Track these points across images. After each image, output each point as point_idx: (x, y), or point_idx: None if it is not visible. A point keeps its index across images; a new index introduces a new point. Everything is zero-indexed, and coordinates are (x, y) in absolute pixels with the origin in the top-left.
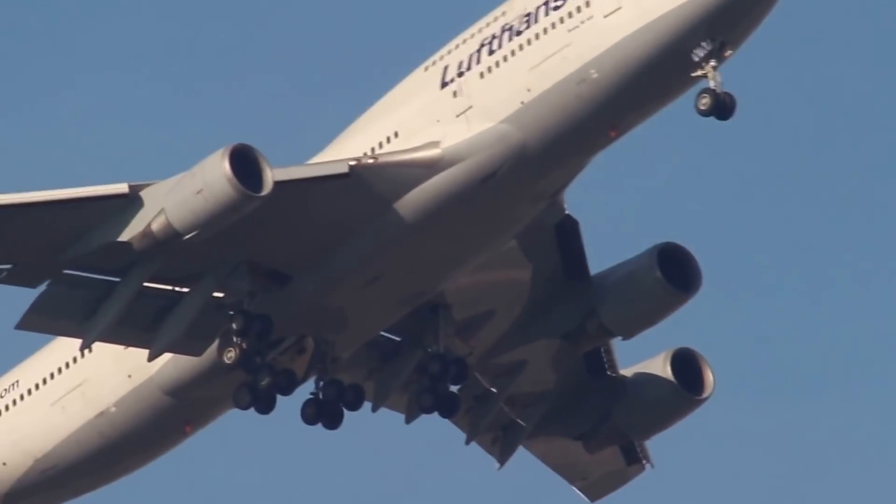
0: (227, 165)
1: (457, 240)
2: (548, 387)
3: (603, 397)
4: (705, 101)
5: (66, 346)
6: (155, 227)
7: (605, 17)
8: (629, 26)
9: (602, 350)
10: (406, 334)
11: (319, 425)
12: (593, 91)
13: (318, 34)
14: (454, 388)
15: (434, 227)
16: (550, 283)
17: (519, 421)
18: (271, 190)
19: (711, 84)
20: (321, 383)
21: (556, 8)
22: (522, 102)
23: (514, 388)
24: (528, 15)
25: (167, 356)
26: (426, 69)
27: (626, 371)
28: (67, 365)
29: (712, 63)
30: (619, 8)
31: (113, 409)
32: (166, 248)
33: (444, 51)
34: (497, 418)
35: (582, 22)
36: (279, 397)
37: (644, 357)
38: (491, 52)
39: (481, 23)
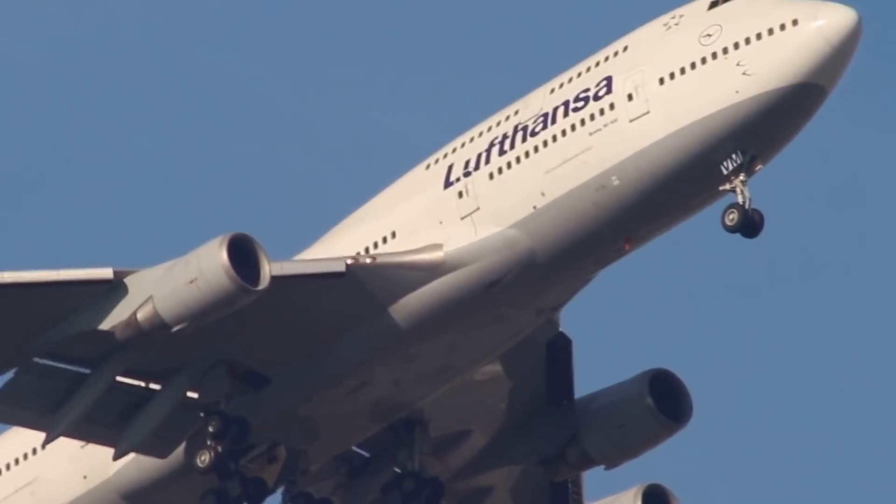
0: (224, 255)
1: (451, 349)
2: None
3: None
4: (733, 218)
5: (16, 439)
6: (140, 316)
7: (631, 121)
8: (657, 133)
9: (570, 482)
10: (378, 449)
11: None
12: (613, 199)
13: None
14: None
15: (429, 334)
16: (532, 405)
17: None
18: (268, 285)
19: (740, 199)
20: (289, 496)
21: (577, 109)
22: (535, 207)
23: None
24: (544, 115)
25: (128, 457)
26: (428, 167)
27: None
28: (17, 461)
29: (741, 177)
30: (647, 113)
31: None
32: (150, 339)
33: (448, 148)
34: None
35: (605, 125)
36: None
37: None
38: (502, 153)
39: (491, 120)
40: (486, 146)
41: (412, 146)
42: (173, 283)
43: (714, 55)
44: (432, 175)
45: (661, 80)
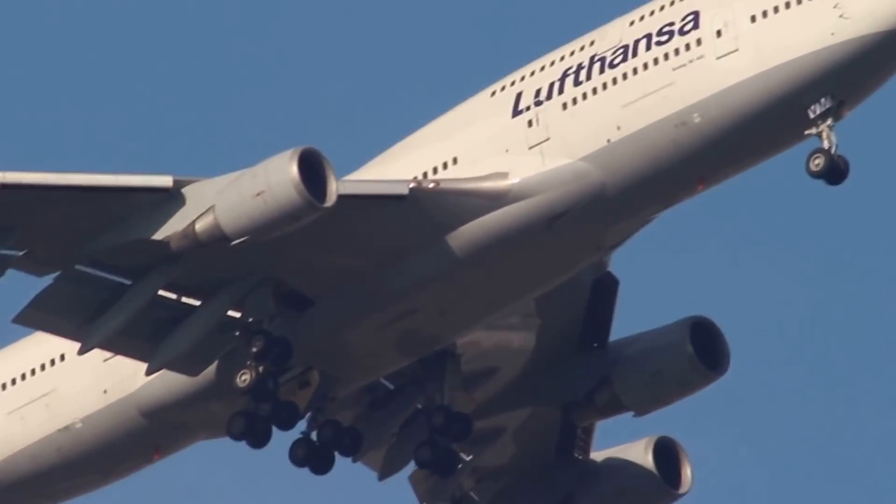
0: (295, 169)
1: (504, 280)
2: (513, 461)
3: (568, 480)
4: (818, 163)
5: (36, 348)
6: (199, 226)
7: (718, 58)
8: (745, 71)
9: (580, 430)
10: (403, 382)
11: (306, 469)
12: (692, 137)
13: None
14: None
15: (486, 264)
16: (565, 345)
17: (472, 495)
18: (334, 202)
19: (825, 144)
20: (317, 423)
21: (661, 43)
22: (609, 140)
23: (482, 458)
24: (624, 47)
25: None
26: (493, 94)
27: (599, 454)
28: (34, 371)
29: (829, 122)
30: (736, 50)
31: (79, 426)
32: (204, 252)
33: (516, 76)
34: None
35: (690, 61)
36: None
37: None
38: (577, 83)
39: (564, 49)
40: (559, 75)
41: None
42: (239, 194)
43: None
44: (498, 102)
45: (753, 18)
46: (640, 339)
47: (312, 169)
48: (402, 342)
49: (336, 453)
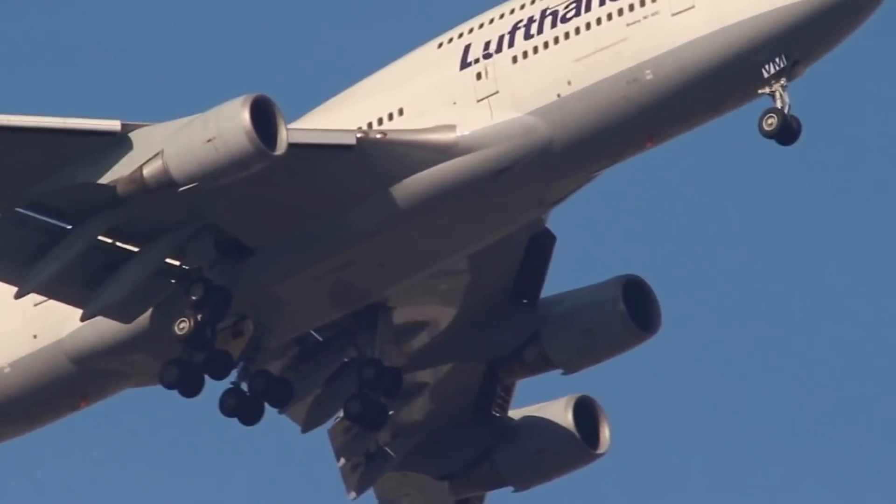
0: (247, 116)
1: (445, 234)
2: (430, 417)
3: (484, 438)
4: (771, 122)
5: None
6: (147, 171)
7: (674, 15)
8: (701, 29)
9: (500, 387)
10: (332, 334)
11: (235, 420)
12: (644, 93)
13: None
14: None
15: (429, 217)
16: (495, 300)
17: (388, 450)
18: (285, 151)
19: (779, 104)
20: (248, 373)
21: None
22: (559, 95)
23: (399, 413)
24: (577, 1)
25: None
26: (440, 45)
27: (518, 412)
28: None
29: (782, 81)
30: (692, 7)
31: (7, 370)
32: (150, 197)
33: (464, 28)
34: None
35: (644, 17)
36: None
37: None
38: (528, 37)
39: (514, 2)
40: (509, 28)
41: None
42: (189, 140)
43: None
44: (446, 54)
45: None
46: (571, 296)
47: (264, 116)
48: (339, 294)
49: (266, 404)
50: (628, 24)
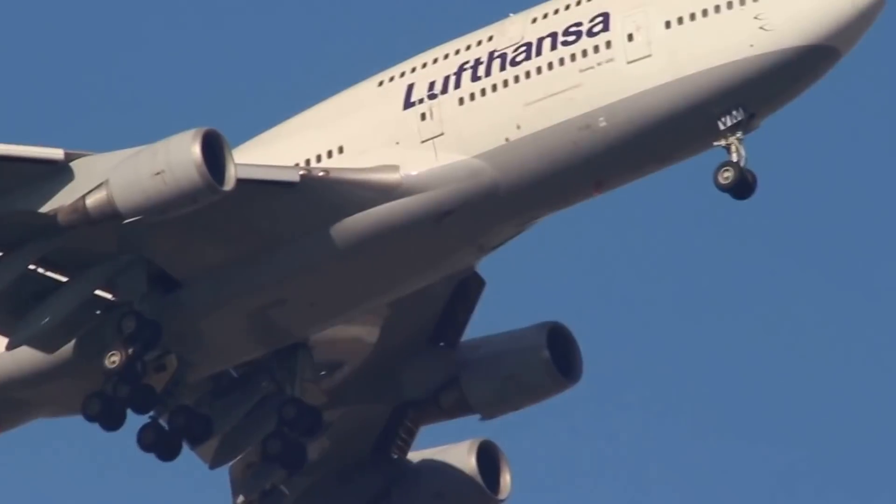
0: (198, 150)
1: (381, 275)
2: (328, 457)
3: (381, 480)
4: (727, 176)
5: None
6: (91, 201)
7: (629, 62)
8: (657, 78)
9: (400, 430)
10: (252, 370)
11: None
12: (595, 140)
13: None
14: None
15: (367, 257)
16: (413, 342)
17: (283, 489)
18: (233, 186)
19: (734, 157)
20: (167, 408)
21: (567, 43)
22: (507, 139)
23: None
24: (527, 45)
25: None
26: (381, 84)
27: (418, 454)
28: None
29: (738, 134)
30: (648, 56)
31: None
32: (92, 228)
33: (405, 66)
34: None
35: (599, 63)
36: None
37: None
38: (476, 78)
39: (457, 43)
40: (454, 69)
41: None
42: (136, 172)
43: (729, 4)
44: (388, 93)
45: (668, 24)
46: (493, 340)
47: (212, 150)
48: (266, 331)
49: (184, 440)
50: (581, 70)
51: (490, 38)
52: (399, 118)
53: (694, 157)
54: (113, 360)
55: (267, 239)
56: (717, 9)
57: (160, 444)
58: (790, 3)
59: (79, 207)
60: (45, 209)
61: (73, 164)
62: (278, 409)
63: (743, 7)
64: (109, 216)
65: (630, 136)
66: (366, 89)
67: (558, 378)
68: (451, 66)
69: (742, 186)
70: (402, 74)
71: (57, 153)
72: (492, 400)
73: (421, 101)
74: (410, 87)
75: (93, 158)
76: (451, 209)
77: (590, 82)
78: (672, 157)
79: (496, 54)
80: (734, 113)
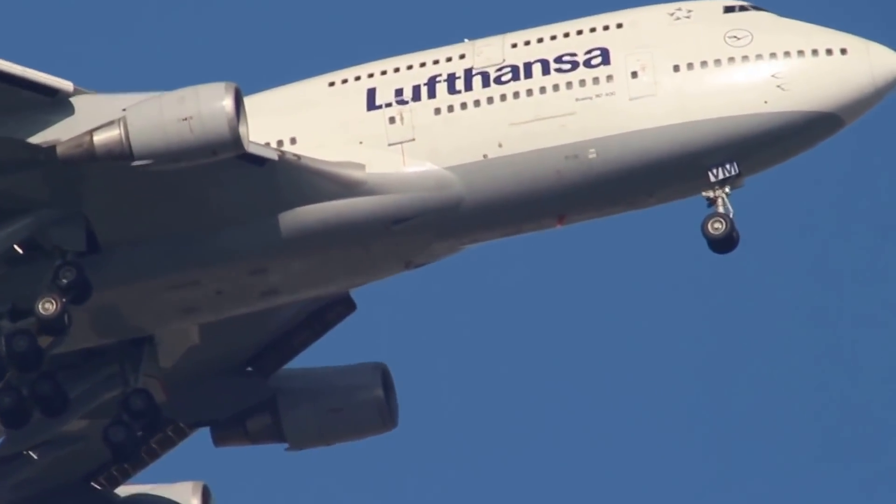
0: (231, 104)
1: (303, 272)
2: (41, 476)
3: None
4: (718, 227)
5: None
6: (100, 138)
7: (632, 100)
8: (660, 119)
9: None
10: (101, 355)
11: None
12: (580, 172)
13: None
14: None
15: (302, 250)
16: (226, 363)
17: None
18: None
19: (721, 210)
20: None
21: (562, 70)
22: (485, 156)
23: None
24: (512, 67)
25: None
26: (332, 84)
27: (136, 487)
28: None
29: (727, 189)
30: (653, 96)
31: None
32: (87, 166)
33: (359, 71)
34: None
35: (598, 95)
36: None
37: None
38: (454, 91)
39: (419, 57)
40: (424, 80)
41: None
42: (160, 115)
43: (745, 58)
44: (345, 93)
45: (676, 68)
46: (318, 373)
47: (236, 108)
48: (163, 313)
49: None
50: (578, 99)
51: (462, 56)
52: (363, 118)
53: (667, 202)
54: (47, 307)
55: (215, 215)
56: (732, 60)
57: (12, 410)
58: (811, 68)
59: (84, 143)
60: (38, 140)
61: (79, 99)
62: (126, 397)
63: (759, 63)
64: (117, 156)
65: (617, 174)
66: (315, 87)
67: (388, 419)
68: (419, 77)
69: (727, 242)
70: (357, 78)
71: (66, 84)
72: (309, 431)
73: (389, 104)
74: (372, 91)
75: (102, 96)
76: (408, 217)
77: (586, 112)
78: (646, 201)
79: (475, 72)
80: (727, 167)
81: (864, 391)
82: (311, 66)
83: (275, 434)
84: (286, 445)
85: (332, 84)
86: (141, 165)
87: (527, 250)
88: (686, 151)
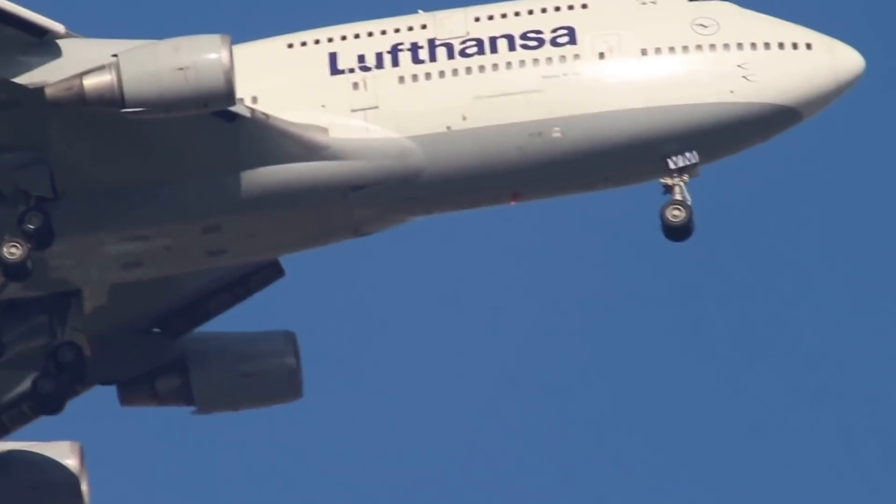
0: (228, 56)
1: (252, 234)
2: None
3: None
4: (677, 215)
5: None
6: (91, 83)
7: (598, 80)
8: (625, 101)
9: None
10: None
11: None
12: (542, 149)
13: None
14: None
15: (257, 211)
16: (135, 324)
17: None
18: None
19: (679, 197)
20: None
21: (528, 47)
22: (449, 128)
23: None
24: (476, 40)
25: None
26: (290, 45)
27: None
28: None
29: (685, 177)
30: (619, 78)
31: None
32: (62, 109)
33: (318, 34)
34: None
35: (564, 74)
36: None
37: None
38: (417, 61)
39: (380, 24)
40: (388, 48)
41: None
42: (155, 63)
43: (712, 46)
44: (306, 55)
45: (644, 51)
46: (231, 338)
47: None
48: (102, 266)
49: None
50: (545, 77)
51: (424, 27)
52: (325, 83)
53: (622, 186)
54: (13, 252)
55: (178, 168)
56: (699, 47)
57: None
58: (778, 61)
59: (74, 86)
60: (23, 80)
61: (67, 42)
62: (54, 349)
63: (727, 52)
64: (108, 101)
65: (579, 153)
66: (273, 47)
67: (296, 387)
68: (382, 45)
69: (685, 230)
70: (317, 42)
71: (58, 25)
72: (219, 395)
73: (352, 70)
74: (334, 56)
75: (91, 41)
76: (367, 184)
77: (552, 90)
78: (603, 183)
79: (438, 42)
80: (688, 154)
81: (819, 384)
82: (260, 27)
83: (183, 396)
84: (193, 409)
85: (290, 46)
86: (131, 113)
87: (472, 225)
88: (648, 135)
